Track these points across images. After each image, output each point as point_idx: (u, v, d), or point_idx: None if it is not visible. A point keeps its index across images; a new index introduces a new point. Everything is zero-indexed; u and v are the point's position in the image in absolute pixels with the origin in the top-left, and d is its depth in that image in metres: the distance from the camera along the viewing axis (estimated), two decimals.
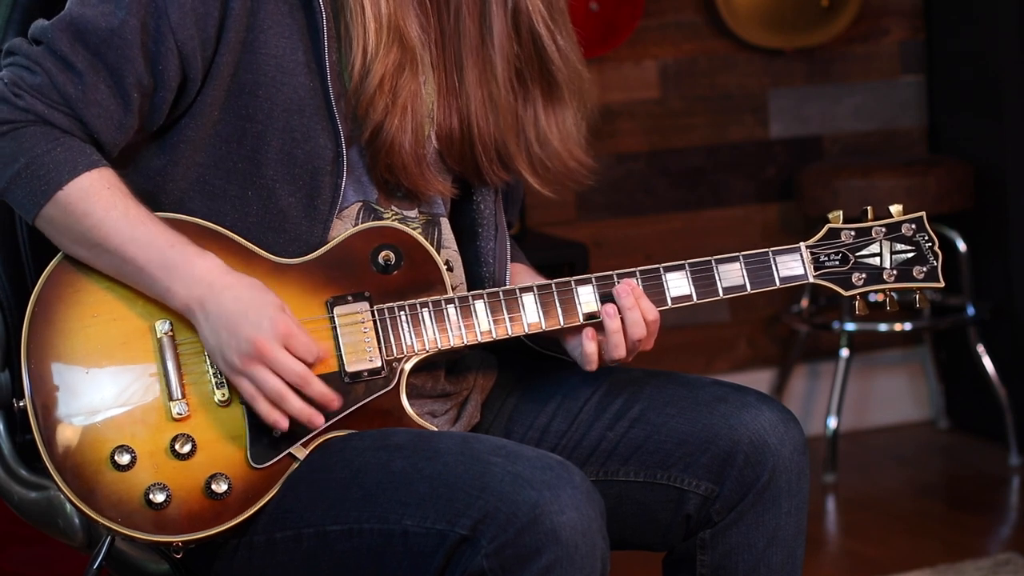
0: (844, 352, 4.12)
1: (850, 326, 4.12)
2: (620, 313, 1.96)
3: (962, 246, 4.18)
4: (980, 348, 4.19)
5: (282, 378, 1.85)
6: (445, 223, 2.06)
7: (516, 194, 2.19)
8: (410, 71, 1.95)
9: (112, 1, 1.88)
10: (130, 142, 1.93)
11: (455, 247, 2.07)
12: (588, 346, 1.97)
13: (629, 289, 1.97)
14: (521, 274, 2.13)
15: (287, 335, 1.85)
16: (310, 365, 1.86)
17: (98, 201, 1.86)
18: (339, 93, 1.94)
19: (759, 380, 4.31)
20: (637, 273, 2.00)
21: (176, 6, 1.88)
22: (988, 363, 4.17)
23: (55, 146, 1.87)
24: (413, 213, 2.03)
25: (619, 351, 1.97)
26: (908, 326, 4.22)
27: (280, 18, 1.92)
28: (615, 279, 1.99)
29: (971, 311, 4.18)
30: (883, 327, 4.21)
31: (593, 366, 1.98)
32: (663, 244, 4.26)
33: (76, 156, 1.87)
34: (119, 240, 1.86)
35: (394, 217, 2.01)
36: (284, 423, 1.85)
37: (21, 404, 1.87)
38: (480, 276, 2.07)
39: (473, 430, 2.06)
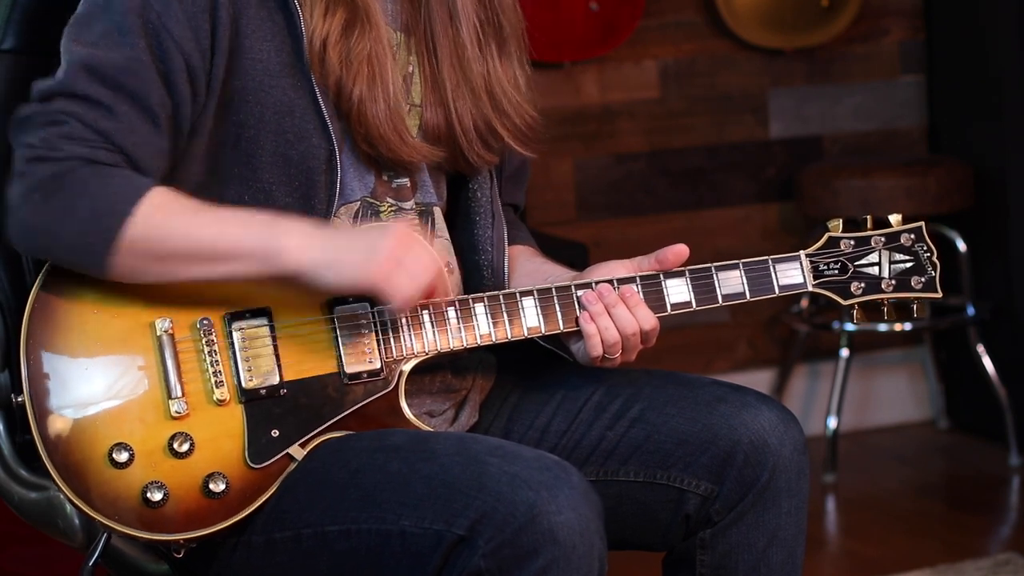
0: (844, 352, 4.13)
1: (850, 326, 4.12)
2: (592, 319, 1.97)
3: (962, 246, 4.18)
4: (980, 348, 4.19)
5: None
6: (438, 212, 2.07)
7: (522, 176, 2.20)
8: (360, 34, 1.94)
9: (113, 33, 1.86)
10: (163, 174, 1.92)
11: (447, 235, 2.07)
12: (588, 328, 1.97)
13: (596, 296, 1.97)
14: (520, 256, 2.14)
15: (410, 231, 1.88)
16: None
17: (173, 208, 1.85)
18: (324, 91, 1.94)
19: (759, 380, 4.31)
20: (637, 279, 2.00)
21: (174, 22, 1.87)
22: (988, 363, 4.18)
23: (110, 179, 1.84)
24: (409, 204, 2.03)
25: (595, 351, 1.97)
26: (908, 326, 4.22)
27: (261, 22, 1.92)
28: (615, 284, 1.99)
29: (971, 311, 4.18)
30: (883, 327, 4.22)
31: (597, 349, 1.98)
32: (663, 244, 4.20)
33: (134, 180, 1.85)
34: (214, 230, 1.85)
35: (391, 209, 2.02)
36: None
37: (19, 400, 1.87)
38: (477, 264, 2.07)
39: (471, 430, 2.06)
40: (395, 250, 1.86)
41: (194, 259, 1.86)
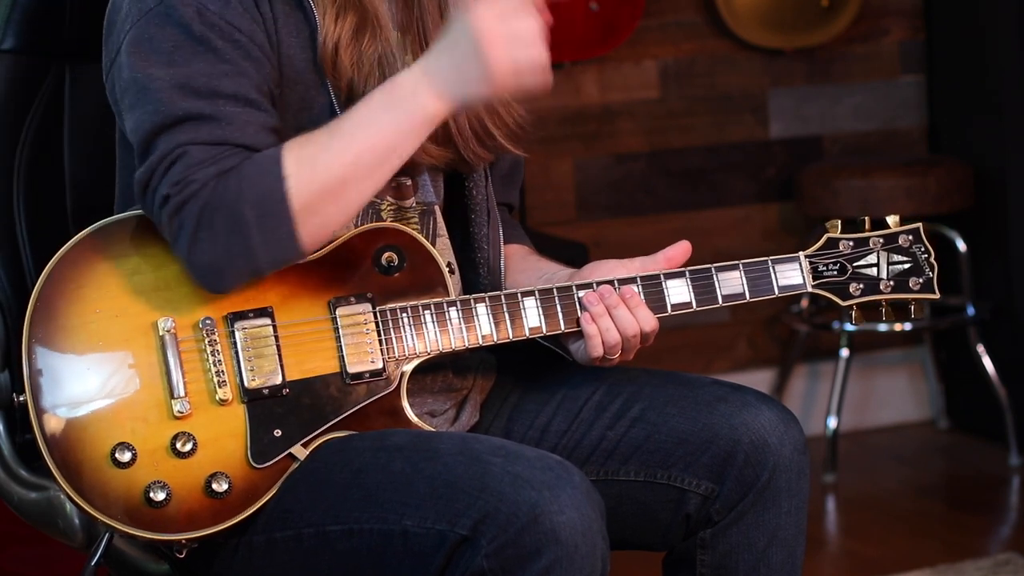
0: (844, 352, 4.13)
1: (850, 326, 4.12)
2: (594, 320, 1.97)
3: (962, 246, 4.18)
4: (980, 348, 4.19)
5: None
6: (438, 211, 2.07)
7: (515, 175, 2.20)
8: (371, 37, 1.94)
9: (184, 44, 1.85)
10: None
11: (447, 235, 2.07)
12: (589, 329, 1.97)
13: (597, 297, 1.97)
14: (516, 254, 2.14)
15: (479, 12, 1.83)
16: None
17: (310, 148, 1.83)
18: (337, 91, 1.94)
19: (759, 380, 4.31)
20: (638, 279, 2.01)
21: (236, 16, 1.87)
22: (988, 363, 4.18)
23: (244, 171, 1.82)
24: (410, 202, 2.03)
25: (596, 352, 1.97)
26: (908, 326, 4.22)
27: (287, 19, 1.92)
28: (616, 284, 1.99)
29: (971, 311, 4.18)
30: (883, 327, 4.22)
31: (598, 350, 1.98)
32: (663, 244, 4.18)
33: (262, 157, 1.84)
34: (360, 139, 1.83)
35: (390, 208, 2.02)
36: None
37: (21, 399, 1.87)
38: (474, 261, 2.07)
39: (472, 430, 2.06)
40: (491, 33, 1.81)
41: (364, 174, 1.85)
